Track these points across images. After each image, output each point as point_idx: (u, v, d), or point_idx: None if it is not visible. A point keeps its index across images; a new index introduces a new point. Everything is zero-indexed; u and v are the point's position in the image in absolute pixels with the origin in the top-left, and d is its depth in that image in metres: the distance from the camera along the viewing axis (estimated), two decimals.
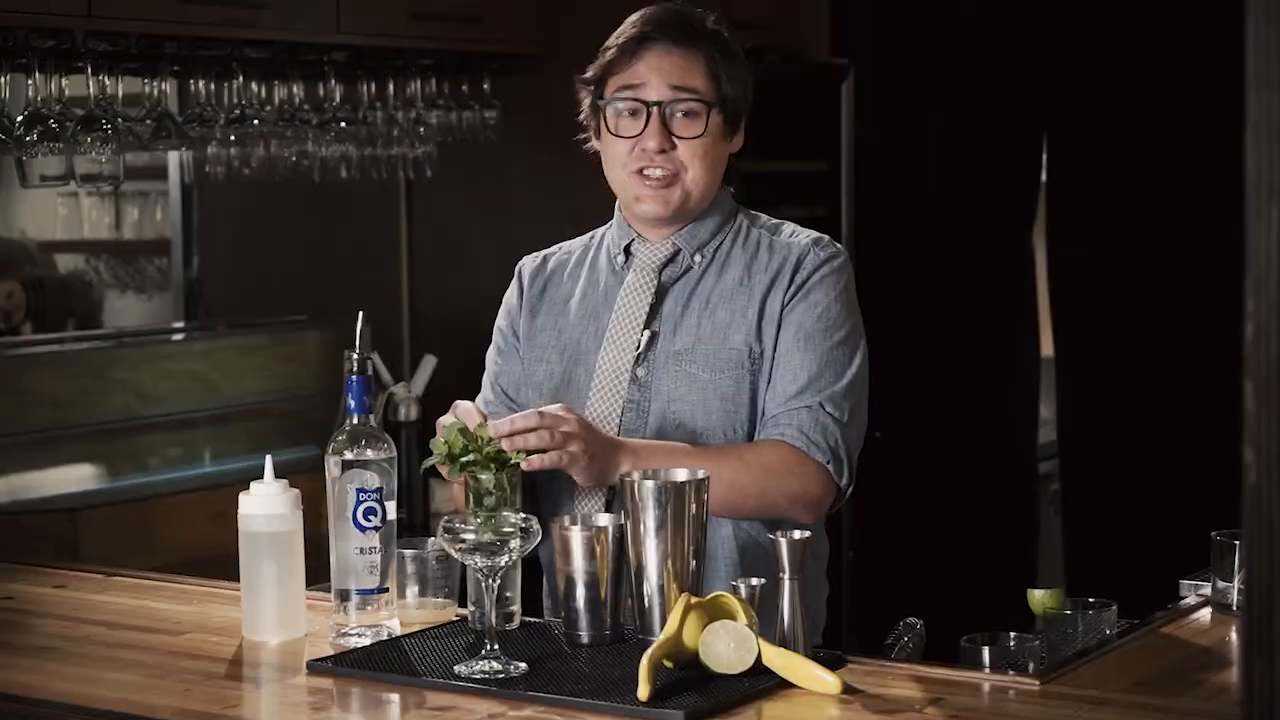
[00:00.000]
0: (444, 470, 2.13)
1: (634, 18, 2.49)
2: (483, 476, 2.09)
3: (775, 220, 2.55)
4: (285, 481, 2.29)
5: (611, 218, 2.58)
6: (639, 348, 2.46)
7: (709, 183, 2.48)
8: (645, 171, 2.45)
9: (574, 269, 2.59)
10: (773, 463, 2.36)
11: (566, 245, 2.64)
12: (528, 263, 2.63)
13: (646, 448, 2.34)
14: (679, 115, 2.44)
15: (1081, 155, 4.77)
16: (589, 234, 2.63)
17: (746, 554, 2.41)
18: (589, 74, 2.49)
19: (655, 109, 2.43)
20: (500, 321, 2.62)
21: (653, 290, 2.49)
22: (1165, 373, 4.69)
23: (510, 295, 2.63)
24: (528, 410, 2.26)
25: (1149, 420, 4.70)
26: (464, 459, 2.09)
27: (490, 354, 2.62)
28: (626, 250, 2.53)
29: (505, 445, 2.14)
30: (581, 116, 2.53)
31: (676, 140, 2.44)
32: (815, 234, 2.51)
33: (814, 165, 4.57)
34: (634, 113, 2.45)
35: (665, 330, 2.47)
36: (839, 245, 2.51)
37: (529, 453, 2.19)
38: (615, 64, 2.46)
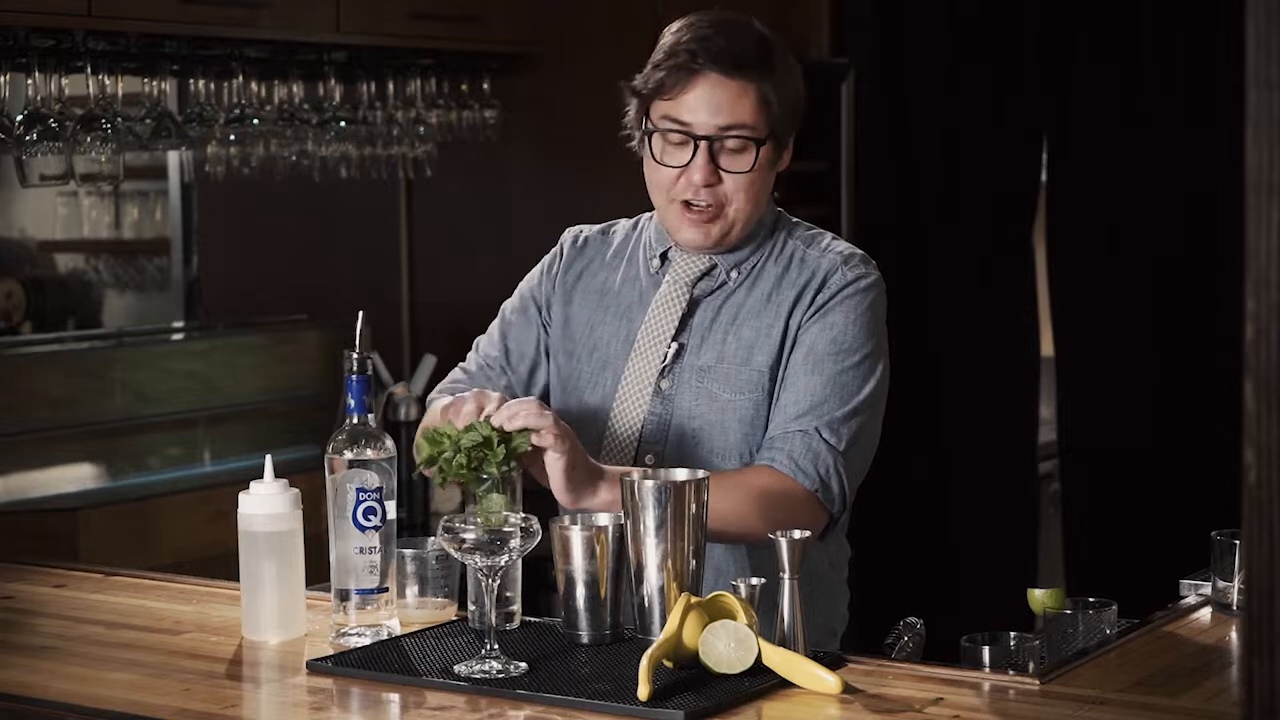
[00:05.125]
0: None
1: (683, 33, 2.37)
2: (459, 482, 2.10)
3: (814, 231, 2.49)
4: (285, 481, 2.29)
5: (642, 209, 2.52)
6: (664, 360, 2.43)
7: (753, 212, 2.41)
8: (690, 203, 2.39)
9: (613, 259, 2.54)
10: (755, 489, 2.30)
11: (614, 227, 2.57)
12: (568, 237, 2.58)
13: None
14: (727, 149, 2.36)
15: (1081, 155, 4.77)
16: (634, 219, 2.57)
17: (758, 561, 2.38)
18: (636, 85, 2.40)
19: (704, 143, 2.35)
20: (530, 285, 2.57)
21: (684, 303, 2.44)
22: (1165, 373, 4.69)
23: (549, 262, 2.57)
24: (529, 401, 2.20)
25: (1149, 420, 4.69)
26: (440, 460, 2.09)
27: (506, 307, 2.57)
28: (663, 256, 2.48)
29: (496, 421, 2.12)
30: (626, 120, 2.45)
31: (723, 174, 2.37)
32: (849, 250, 2.44)
33: (814, 165, 4.56)
34: (681, 143, 2.37)
35: (692, 344, 2.43)
36: (872, 264, 2.43)
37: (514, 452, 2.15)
38: (664, 88, 2.36)
